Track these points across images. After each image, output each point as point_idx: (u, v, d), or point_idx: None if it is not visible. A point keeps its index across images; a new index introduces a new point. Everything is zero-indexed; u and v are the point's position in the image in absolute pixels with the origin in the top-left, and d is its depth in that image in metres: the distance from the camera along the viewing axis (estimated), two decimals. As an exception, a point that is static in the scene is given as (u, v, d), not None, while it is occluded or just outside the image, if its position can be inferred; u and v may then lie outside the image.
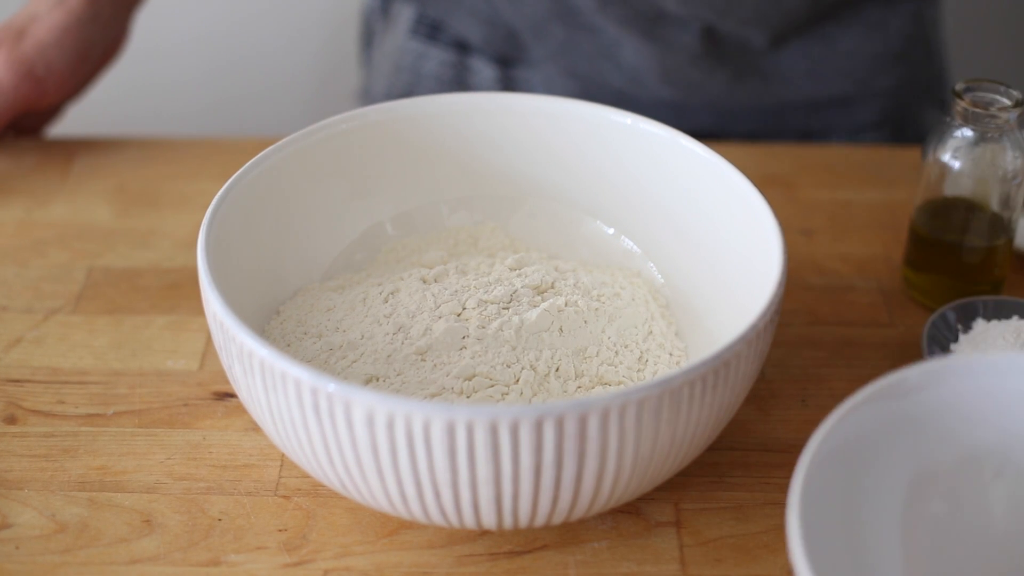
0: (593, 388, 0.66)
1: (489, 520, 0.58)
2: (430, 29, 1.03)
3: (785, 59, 0.98)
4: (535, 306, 0.68)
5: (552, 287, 0.70)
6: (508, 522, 0.59)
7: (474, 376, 0.64)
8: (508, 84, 1.02)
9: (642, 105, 0.98)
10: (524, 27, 0.98)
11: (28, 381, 0.74)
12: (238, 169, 0.69)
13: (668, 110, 0.99)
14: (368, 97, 1.12)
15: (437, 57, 1.03)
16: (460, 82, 1.03)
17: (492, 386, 0.64)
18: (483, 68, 1.02)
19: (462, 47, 1.02)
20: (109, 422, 0.71)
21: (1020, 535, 0.59)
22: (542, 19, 0.97)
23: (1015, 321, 0.73)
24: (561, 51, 0.98)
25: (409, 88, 1.04)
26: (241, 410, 0.72)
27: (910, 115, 1.04)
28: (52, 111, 0.97)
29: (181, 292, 0.81)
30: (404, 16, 1.06)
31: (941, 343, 0.74)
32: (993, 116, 0.74)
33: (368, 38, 1.14)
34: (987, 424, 0.59)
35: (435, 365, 0.65)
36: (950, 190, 0.77)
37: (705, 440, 0.61)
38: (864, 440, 0.58)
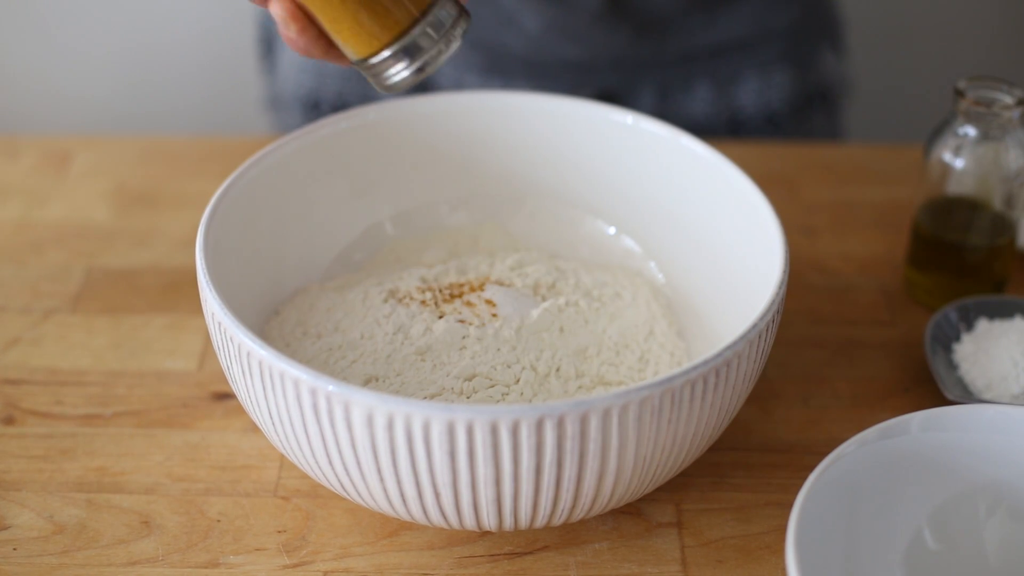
0: (594, 388, 0.65)
1: (489, 521, 0.58)
2: None
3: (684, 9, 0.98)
4: (535, 306, 0.67)
5: (553, 287, 0.70)
6: (508, 523, 0.58)
7: (474, 376, 0.64)
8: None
9: (548, 70, 0.98)
10: None
11: (26, 381, 0.74)
12: (237, 169, 0.69)
13: (574, 72, 0.99)
14: (277, 104, 1.10)
15: None
16: (362, 77, 1.02)
17: (492, 386, 0.63)
18: None
19: None
20: (107, 423, 0.71)
21: (1013, 572, 0.60)
22: None
23: (1018, 321, 0.73)
24: None
25: (315, 88, 1.03)
26: (240, 411, 0.71)
27: (810, 54, 1.04)
28: None
29: (180, 292, 0.80)
30: None
31: (943, 343, 0.73)
32: (996, 115, 0.73)
33: (268, 43, 1.12)
34: (982, 467, 0.61)
35: (435, 365, 0.64)
36: (953, 189, 0.76)
37: (706, 440, 0.61)
38: (865, 477, 0.59)
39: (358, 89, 1.01)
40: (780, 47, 1.01)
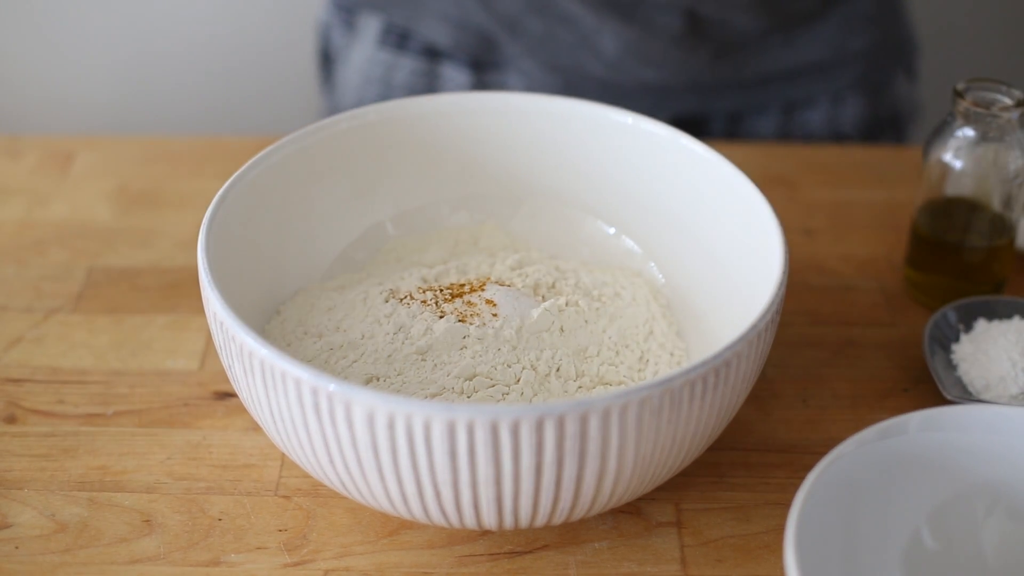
0: (594, 388, 0.65)
1: (490, 520, 0.58)
2: (399, 38, 1.02)
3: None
4: (536, 306, 0.67)
5: (553, 287, 0.70)
6: (509, 522, 0.59)
7: (475, 376, 0.64)
8: (482, 89, 1.01)
9: (625, 92, 0.98)
10: (497, 26, 0.98)
11: (28, 381, 0.74)
12: (238, 169, 0.69)
13: (651, 95, 0.99)
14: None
15: (408, 67, 1.02)
16: (432, 91, 1.02)
17: (493, 386, 0.64)
18: (455, 75, 1.01)
19: (433, 54, 1.02)
20: (109, 422, 0.71)
21: (1011, 572, 0.60)
22: (517, 15, 0.96)
23: (1016, 321, 0.73)
24: (539, 45, 0.98)
25: (380, 100, 1.03)
26: (241, 410, 0.72)
27: (885, 80, 1.04)
28: None
29: (181, 292, 0.80)
30: (371, 27, 1.05)
31: (942, 343, 0.73)
32: (995, 116, 0.74)
33: (327, 57, 1.13)
34: (980, 467, 0.61)
35: (435, 365, 0.65)
36: (951, 190, 0.77)
37: (706, 440, 0.61)
38: (863, 477, 0.59)
39: None
40: (856, 71, 1.01)
